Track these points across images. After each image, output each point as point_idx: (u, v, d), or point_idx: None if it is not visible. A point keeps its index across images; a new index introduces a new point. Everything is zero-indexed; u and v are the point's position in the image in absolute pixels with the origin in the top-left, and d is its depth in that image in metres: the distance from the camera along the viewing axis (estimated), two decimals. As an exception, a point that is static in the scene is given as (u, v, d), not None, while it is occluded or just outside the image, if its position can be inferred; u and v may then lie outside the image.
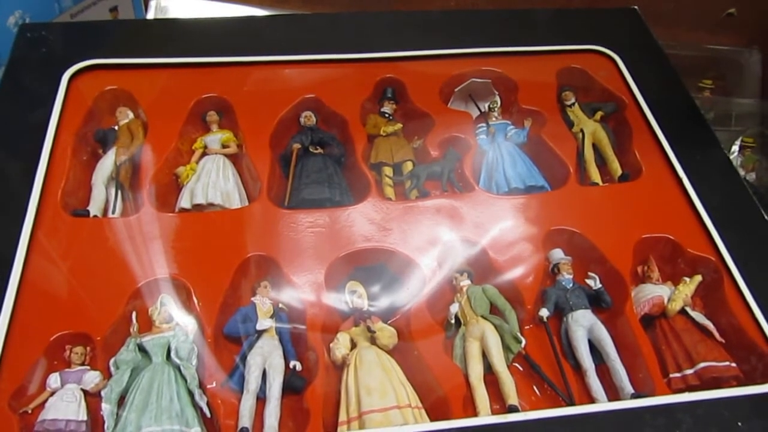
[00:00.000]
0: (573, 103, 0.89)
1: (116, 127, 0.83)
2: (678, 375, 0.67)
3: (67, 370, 0.63)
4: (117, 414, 0.60)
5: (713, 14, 1.27)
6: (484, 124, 0.88)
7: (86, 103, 0.83)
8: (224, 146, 0.83)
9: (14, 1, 0.94)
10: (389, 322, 0.69)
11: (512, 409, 0.62)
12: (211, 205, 0.77)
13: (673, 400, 0.62)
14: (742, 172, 1.09)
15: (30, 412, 0.61)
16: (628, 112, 0.88)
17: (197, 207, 0.78)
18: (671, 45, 1.22)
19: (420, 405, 0.63)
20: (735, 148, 1.11)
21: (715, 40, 1.27)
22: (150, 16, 1.19)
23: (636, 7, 1.01)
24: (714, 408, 0.61)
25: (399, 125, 0.86)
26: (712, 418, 0.60)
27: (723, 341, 0.69)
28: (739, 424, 0.60)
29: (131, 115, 0.84)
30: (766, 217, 0.77)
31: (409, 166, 0.83)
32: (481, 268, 0.73)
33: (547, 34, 0.95)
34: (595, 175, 0.84)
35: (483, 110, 0.89)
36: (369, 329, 0.67)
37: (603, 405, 0.63)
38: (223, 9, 1.20)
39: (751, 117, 1.18)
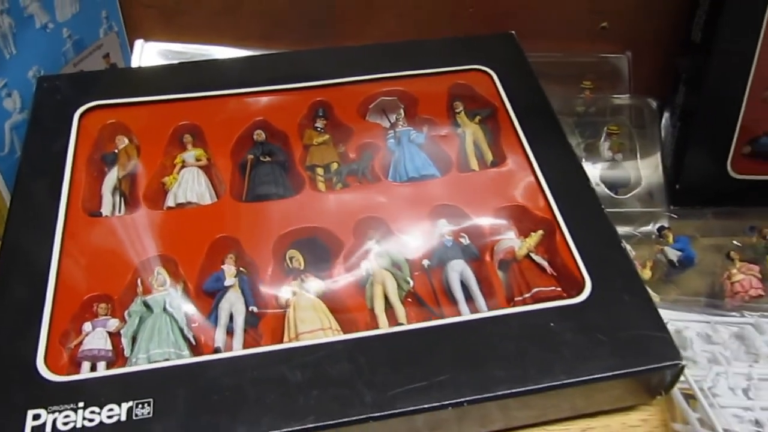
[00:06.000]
0: (460, 111, 1.16)
1: (116, 151, 1.07)
2: (519, 298, 0.93)
3: (95, 319, 0.88)
4: (132, 345, 0.87)
5: (594, 27, 1.55)
6: (392, 131, 1.14)
7: (93, 134, 1.07)
8: (198, 160, 1.08)
9: (31, 59, 1.18)
10: (319, 277, 0.96)
11: (401, 325, 0.91)
12: (189, 203, 1.03)
13: (508, 312, 0.89)
14: (610, 153, 1.38)
15: (72, 347, 0.86)
16: (499, 115, 1.14)
17: (179, 205, 1.03)
18: (558, 56, 1.51)
19: (339, 328, 0.89)
20: (604, 134, 1.39)
21: (597, 48, 1.54)
22: (135, 57, 1.47)
23: (513, 31, 1.28)
24: (534, 315, 0.87)
25: (327, 136, 1.12)
26: (532, 322, 0.86)
27: (555, 274, 0.96)
28: (552, 324, 0.87)
29: (127, 141, 1.07)
30: (591, 185, 1.05)
31: (334, 166, 1.09)
32: (386, 236, 0.99)
33: (442, 58, 1.21)
34: (473, 164, 1.11)
35: (392, 121, 1.16)
36: (303, 282, 0.95)
37: (460, 318, 0.90)
38: (191, 49, 1.44)
39: (623, 109, 1.46)
